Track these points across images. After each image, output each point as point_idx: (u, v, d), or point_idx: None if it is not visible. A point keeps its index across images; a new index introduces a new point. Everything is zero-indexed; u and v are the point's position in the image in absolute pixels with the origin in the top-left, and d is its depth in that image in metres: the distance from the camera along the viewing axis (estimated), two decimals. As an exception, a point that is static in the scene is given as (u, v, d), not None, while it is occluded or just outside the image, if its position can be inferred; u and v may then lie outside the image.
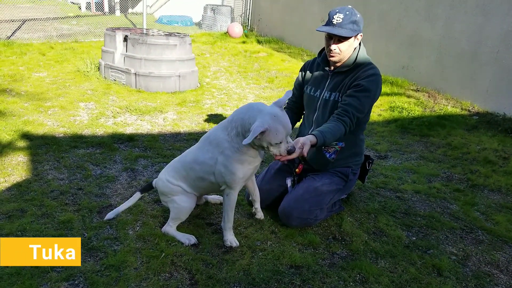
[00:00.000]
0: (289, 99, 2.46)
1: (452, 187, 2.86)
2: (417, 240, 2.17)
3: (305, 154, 1.77)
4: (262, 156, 1.96)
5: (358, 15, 2.03)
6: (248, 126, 1.73)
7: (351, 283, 1.80)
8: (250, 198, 2.20)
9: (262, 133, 1.67)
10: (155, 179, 2.14)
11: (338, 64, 2.14)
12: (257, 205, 2.17)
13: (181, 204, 2.01)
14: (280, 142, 1.73)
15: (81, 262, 1.79)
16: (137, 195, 2.17)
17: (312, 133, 1.90)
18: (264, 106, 1.78)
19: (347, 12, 2.00)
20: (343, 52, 2.06)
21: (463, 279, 1.88)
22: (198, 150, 1.97)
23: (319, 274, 1.84)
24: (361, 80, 2.03)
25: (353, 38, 2.04)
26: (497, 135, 3.88)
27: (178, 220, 2.05)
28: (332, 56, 2.09)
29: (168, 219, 2.07)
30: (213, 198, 2.41)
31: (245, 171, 1.88)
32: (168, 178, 2.04)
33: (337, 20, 1.99)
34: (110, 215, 2.14)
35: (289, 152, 1.75)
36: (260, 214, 2.19)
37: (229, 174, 1.86)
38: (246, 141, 1.64)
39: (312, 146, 1.86)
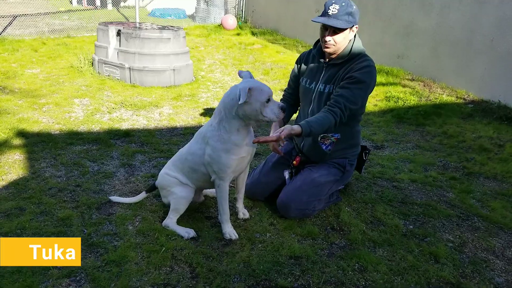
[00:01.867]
0: (285, 91, 2.47)
1: (448, 176, 2.88)
2: (414, 228, 2.20)
3: (283, 136, 1.81)
4: (250, 146, 1.97)
5: (354, 7, 2.02)
6: (233, 102, 1.82)
7: (350, 272, 1.82)
8: (234, 196, 2.21)
9: (250, 91, 1.75)
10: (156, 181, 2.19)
11: (333, 56, 2.13)
12: (239, 204, 2.20)
13: (179, 194, 2.06)
14: (269, 100, 1.81)
15: (82, 258, 1.79)
16: (143, 194, 2.27)
17: (298, 123, 1.91)
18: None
19: (343, 3, 1.98)
20: (338, 43, 2.05)
21: (460, 266, 1.91)
22: (192, 142, 2.09)
23: (318, 264, 1.86)
24: (354, 72, 2.03)
25: (348, 30, 2.03)
26: (492, 122, 3.90)
27: (177, 211, 2.07)
28: (327, 48, 2.08)
29: (168, 213, 2.09)
30: (212, 191, 2.42)
31: (231, 160, 1.91)
32: (166, 171, 2.13)
33: (332, 11, 1.98)
34: (114, 198, 2.29)
35: (282, 108, 1.84)
36: (241, 214, 2.20)
37: (215, 163, 1.93)
38: (241, 100, 1.72)
39: (298, 135, 1.87)
